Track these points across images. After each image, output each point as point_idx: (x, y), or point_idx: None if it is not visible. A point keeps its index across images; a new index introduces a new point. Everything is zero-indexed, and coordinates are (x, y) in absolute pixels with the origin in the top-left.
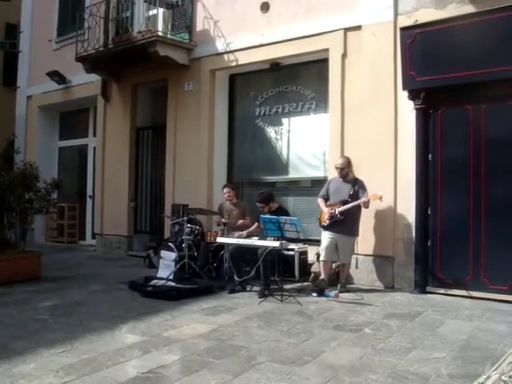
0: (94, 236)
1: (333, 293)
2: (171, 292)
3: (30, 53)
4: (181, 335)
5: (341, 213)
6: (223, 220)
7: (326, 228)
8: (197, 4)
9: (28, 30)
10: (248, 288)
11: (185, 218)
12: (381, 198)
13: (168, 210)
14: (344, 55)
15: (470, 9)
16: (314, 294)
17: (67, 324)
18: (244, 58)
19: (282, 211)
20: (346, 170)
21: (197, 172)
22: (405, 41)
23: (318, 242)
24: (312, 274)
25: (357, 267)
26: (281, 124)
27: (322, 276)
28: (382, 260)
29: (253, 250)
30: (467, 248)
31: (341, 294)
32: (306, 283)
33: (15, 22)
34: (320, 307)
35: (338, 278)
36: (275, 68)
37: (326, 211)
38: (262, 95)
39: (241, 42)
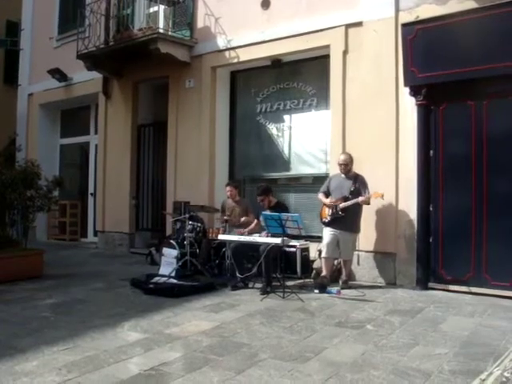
0: (95, 233)
1: (335, 289)
2: (173, 289)
3: (31, 50)
4: (183, 332)
5: (342, 209)
6: (225, 217)
7: (327, 224)
8: (198, 1)
9: (29, 28)
10: (250, 285)
11: (186, 215)
12: (382, 197)
13: (170, 208)
14: (345, 52)
15: (471, 4)
16: (316, 291)
17: (69, 321)
18: (245, 55)
19: (281, 207)
20: (349, 166)
21: (198, 169)
22: (406, 37)
23: (319, 239)
24: (314, 271)
25: (359, 264)
26: (282, 121)
27: (324, 273)
28: (383, 256)
29: (254, 246)
30: (469, 244)
31: (343, 291)
32: (307, 280)
33: (16, 20)
34: (322, 304)
35: (340, 275)
36: (276, 65)
37: (327, 202)
38: (264, 92)
39: (242, 38)
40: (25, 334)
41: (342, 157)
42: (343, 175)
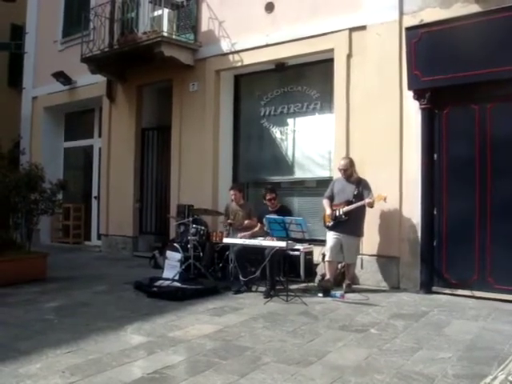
0: (99, 237)
1: (338, 293)
2: (176, 292)
3: (36, 54)
4: (186, 336)
5: (345, 213)
6: (229, 221)
7: (330, 228)
8: (202, 4)
9: (33, 31)
10: (253, 288)
11: (190, 219)
12: (385, 199)
13: (173, 211)
14: (349, 55)
15: (475, 8)
16: (320, 295)
17: (72, 324)
18: (249, 59)
19: (285, 210)
20: (349, 171)
21: (202, 172)
22: (410, 40)
23: (323, 243)
24: (319, 276)
25: (362, 267)
26: (286, 124)
27: (328, 276)
28: (387, 260)
29: (258, 250)
30: (473, 248)
31: (346, 295)
32: (311, 283)
33: (20, 23)
34: (325, 307)
35: (344, 279)
36: (280, 68)
37: (328, 213)
38: (267, 95)
39: (246, 42)
40: (28, 336)
41: (342, 162)
42: (345, 179)
